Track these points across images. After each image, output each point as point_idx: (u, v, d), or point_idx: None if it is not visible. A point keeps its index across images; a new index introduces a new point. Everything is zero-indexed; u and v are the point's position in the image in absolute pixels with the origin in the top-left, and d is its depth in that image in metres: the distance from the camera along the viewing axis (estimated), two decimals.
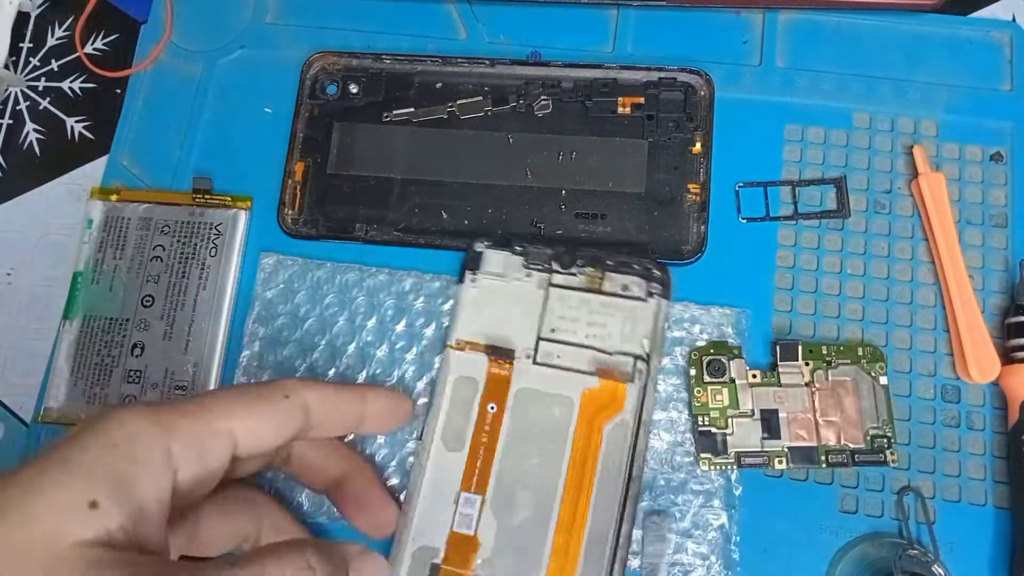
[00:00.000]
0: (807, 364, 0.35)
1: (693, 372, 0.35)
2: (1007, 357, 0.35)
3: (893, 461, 0.34)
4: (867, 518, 0.35)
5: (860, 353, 0.35)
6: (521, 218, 0.38)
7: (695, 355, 0.35)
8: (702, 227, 0.37)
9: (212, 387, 0.38)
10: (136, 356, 0.38)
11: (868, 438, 0.34)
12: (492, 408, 0.34)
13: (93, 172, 0.42)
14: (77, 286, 0.39)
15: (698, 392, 0.35)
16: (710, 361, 0.35)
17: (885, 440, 0.34)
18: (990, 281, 0.37)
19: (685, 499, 0.35)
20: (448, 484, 0.33)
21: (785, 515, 0.35)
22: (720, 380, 0.35)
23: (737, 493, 0.35)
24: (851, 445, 0.34)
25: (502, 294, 0.35)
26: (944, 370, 0.36)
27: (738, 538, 0.34)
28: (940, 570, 0.31)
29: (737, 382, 0.35)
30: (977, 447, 0.35)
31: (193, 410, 0.27)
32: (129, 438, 0.25)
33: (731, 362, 0.35)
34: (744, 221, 0.38)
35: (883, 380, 0.35)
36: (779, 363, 0.35)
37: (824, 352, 0.35)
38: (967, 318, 0.35)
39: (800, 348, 0.35)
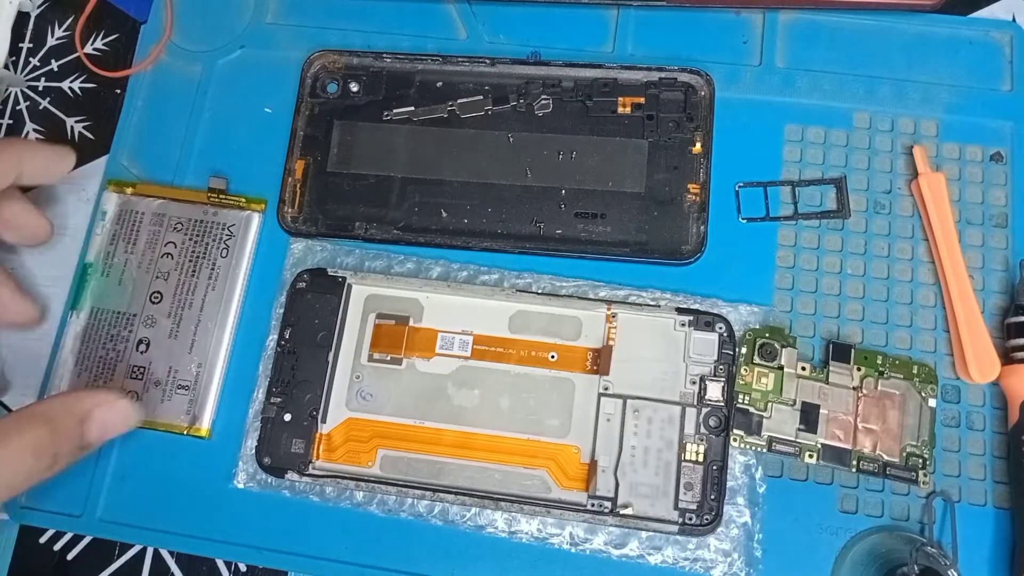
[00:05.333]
0: (858, 369, 0.35)
1: (744, 351, 0.35)
2: (1007, 357, 0.35)
3: (925, 484, 0.34)
4: (867, 518, 0.35)
5: (914, 371, 0.35)
6: (521, 217, 0.38)
7: (749, 335, 0.35)
8: (702, 227, 0.37)
9: (215, 389, 0.38)
10: (141, 352, 0.38)
11: (904, 454, 0.34)
12: None
13: (93, 172, 0.42)
14: (87, 277, 0.39)
15: (745, 371, 0.35)
16: (763, 344, 0.35)
17: (920, 460, 0.34)
18: (990, 281, 0.37)
19: None
20: None
21: (785, 514, 0.35)
22: (769, 364, 0.35)
23: (761, 491, 0.35)
24: (885, 456, 0.34)
25: None
26: (944, 370, 0.36)
27: (761, 536, 0.34)
28: (955, 574, 0.31)
29: (785, 370, 0.35)
30: (977, 447, 0.35)
31: None
32: None
33: (783, 350, 0.35)
34: (744, 221, 0.38)
35: (932, 402, 0.35)
36: (830, 362, 0.35)
37: (878, 362, 0.35)
38: (967, 318, 0.35)
39: (853, 352, 0.35)
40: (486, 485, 0.35)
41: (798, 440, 0.34)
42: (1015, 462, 0.34)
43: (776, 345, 0.35)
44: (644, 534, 0.35)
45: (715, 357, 0.36)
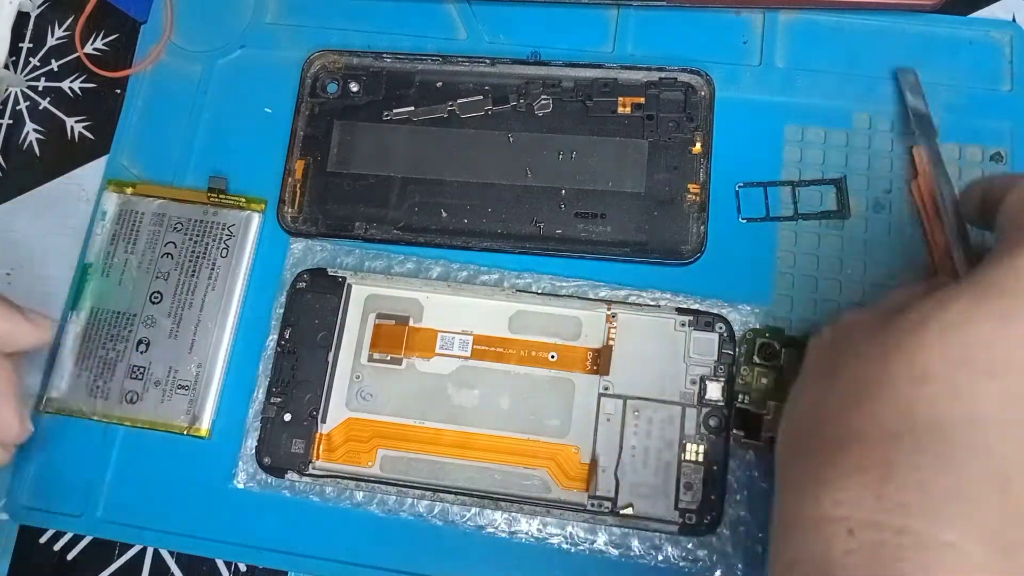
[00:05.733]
0: None
1: (744, 351, 0.35)
2: None
3: None
4: None
5: None
6: (521, 217, 0.38)
7: (749, 334, 0.35)
8: (702, 227, 0.37)
9: (215, 389, 0.38)
10: (141, 352, 0.38)
11: None
12: None
13: (93, 172, 0.42)
14: (87, 277, 0.39)
15: (744, 371, 0.35)
16: (763, 344, 0.35)
17: None
18: None
19: None
20: None
21: None
22: (769, 364, 0.35)
23: (762, 491, 0.35)
24: None
25: None
26: None
27: (761, 536, 0.34)
28: None
29: (785, 370, 0.35)
30: None
31: None
32: None
33: (783, 349, 0.35)
34: (744, 221, 0.38)
35: None
36: None
37: None
38: None
39: None
40: (486, 485, 0.35)
41: None
42: None
43: (776, 345, 0.35)
44: (644, 534, 0.35)
45: (715, 357, 0.36)
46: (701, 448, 0.35)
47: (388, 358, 0.37)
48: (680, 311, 0.36)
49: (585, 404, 0.36)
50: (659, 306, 0.36)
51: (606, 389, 0.36)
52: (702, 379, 0.35)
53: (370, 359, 0.37)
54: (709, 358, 0.36)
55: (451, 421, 0.36)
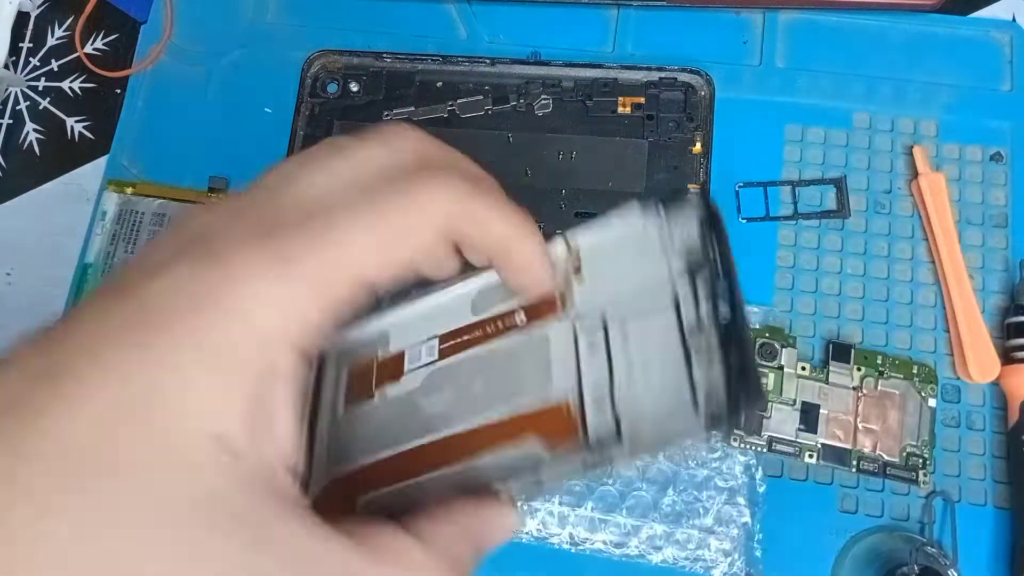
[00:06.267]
0: (858, 369, 0.35)
1: None
2: (1007, 357, 0.35)
3: (925, 484, 0.34)
4: (867, 518, 0.35)
5: (914, 371, 0.35)
6: None
7: None
8: None
9: None
10: None
11: (904, 454, 0.34)
12: None
13: (93, 172, 0.42)
14: (87, 277, 0.39)
15: None
16: (763, 344, 0.35)
17: (920, 460, 0.34)
18: (990, 281, 0.37)
19: (709, 495, 0.35)
20: None
21: (785, 514, 0.35)
22: (769, 364, 0.35)
23: (761, 491, 0.35)
24: (885, 456, 0.34)
25: None
26: (944, 370, 0.36)
27: (761, 536, 0.34)
28: (955, 574, 0.31)
29: (785, 370, 0.35)
30: (977, 447, 0.35)
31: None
32: None
33: (783, 350, 0.35)
34: (744, 221, 0.38)
35: (931, 402, 0.35)
36: (830, 362, 0.35)
37: (878, 362, 0.35)
38: (967, 318, 0.35)
39: (853, 352, 0.35)
40: (478, 483, 0.34)
41: (798, 440, 0.34)
42: (1015, 462, 0.34)
43: (776, 345, 0.35)
44: (644, 534, 0.35)
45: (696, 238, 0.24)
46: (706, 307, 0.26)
47: (361, 401, 0.33)
48: (643, 206, 0.25)
49: (563, 351, 0.31)
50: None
51: (580, 319, 0.26)
52: (691, 269, 0.24)
53: (344, 411, 0.32)
54: (692, 234, 0.24)
55: (427, 431, 0.32)
